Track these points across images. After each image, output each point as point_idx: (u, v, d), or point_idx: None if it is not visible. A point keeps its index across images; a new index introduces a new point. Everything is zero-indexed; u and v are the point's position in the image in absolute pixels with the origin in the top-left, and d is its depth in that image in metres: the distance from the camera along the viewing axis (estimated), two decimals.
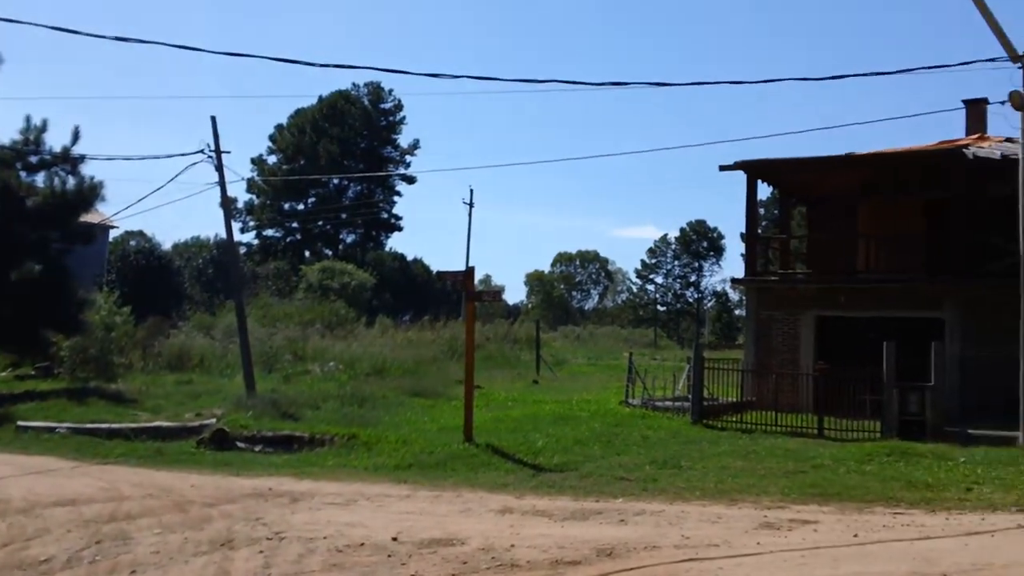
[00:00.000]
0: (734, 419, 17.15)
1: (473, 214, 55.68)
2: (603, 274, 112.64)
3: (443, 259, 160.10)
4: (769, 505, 9.79)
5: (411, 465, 12.84)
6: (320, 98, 70.14)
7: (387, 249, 73.00)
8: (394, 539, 7.92)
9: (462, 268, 16.99)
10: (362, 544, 7.76)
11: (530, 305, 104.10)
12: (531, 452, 13.49)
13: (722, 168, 21.37)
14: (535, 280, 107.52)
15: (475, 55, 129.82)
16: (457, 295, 42.78)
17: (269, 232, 71.50)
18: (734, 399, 19.02)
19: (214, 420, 16.46)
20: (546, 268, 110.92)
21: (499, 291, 17.71)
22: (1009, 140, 21.22)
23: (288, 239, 71.21)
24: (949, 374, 18.06)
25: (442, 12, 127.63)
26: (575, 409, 18.79)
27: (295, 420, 17.05)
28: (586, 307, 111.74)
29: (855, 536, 8.02)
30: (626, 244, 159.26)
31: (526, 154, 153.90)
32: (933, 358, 15.74)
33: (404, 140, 73.95)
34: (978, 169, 20.19)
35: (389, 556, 7.37)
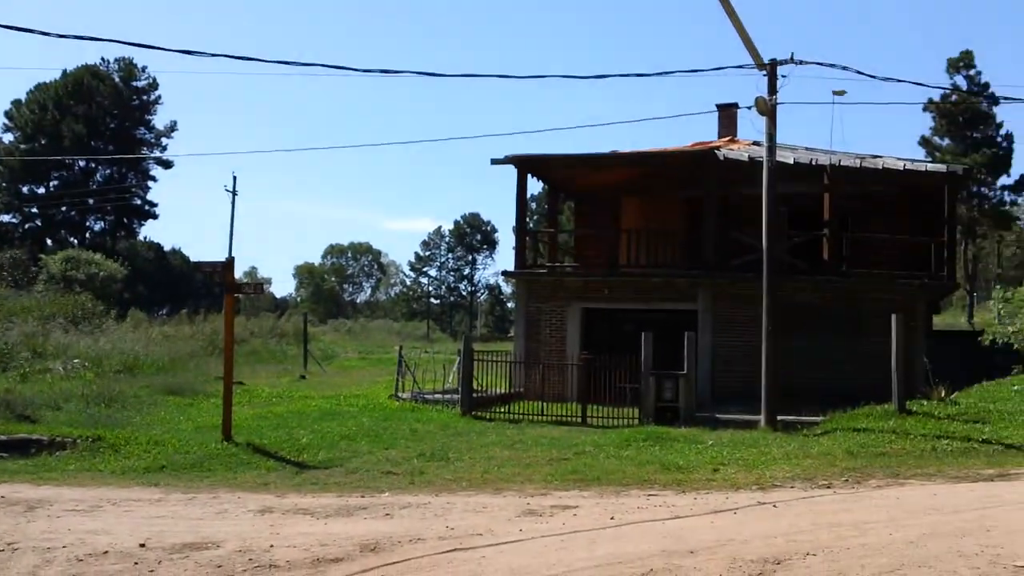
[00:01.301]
0: (503, 410, 17.38)
1: (238, 203, 53.33)
2: (376, 266, 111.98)
3: (206, 250, 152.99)
4: (533, 492, 9.92)
5: (163, 467, 11.99)
6: (64, 73, 64.39)
7: (141, 238, 68.70)
8: (142, 545, 7.37)
9: (224, 259, 16.04)
10: (106, 552, 7.16)
11: (299, 298, 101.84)
12: (295, 449, 12.99)
13: (494, 162, 21.65)
14: (304, 272, 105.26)
15: (240, 36, 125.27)
16: (218, 288, 40.83)
17: (4, 218, 64.82)
18: (504, 390, 19.29)
19: None
20: (317, 260, 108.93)
21: (262, 283, 16.96)
22: (756, 143, 22.90)
23: (27, 226, 64.92)
24: (701, 362, 19.21)
25: None
26: (343, 404, 18.40)
27: (32, 422, 15.47)
28: (358, 300, 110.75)
29: (612, 518, 8.24)
30: (400, 236, 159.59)
31: (294, 141, 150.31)
32: (686, 347, 16.64)
33: (160, 121, 69.60)
34: (728, 170, 21.61)
35: (136, 564, 6.86)
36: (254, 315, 51.11)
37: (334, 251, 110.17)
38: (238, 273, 15.07)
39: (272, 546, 7.37)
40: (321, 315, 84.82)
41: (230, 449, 12.99)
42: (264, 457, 12.53)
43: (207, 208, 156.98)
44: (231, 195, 52.49)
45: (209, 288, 53.47)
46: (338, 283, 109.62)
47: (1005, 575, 5.55)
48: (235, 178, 53.43)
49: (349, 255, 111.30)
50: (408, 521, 8.38)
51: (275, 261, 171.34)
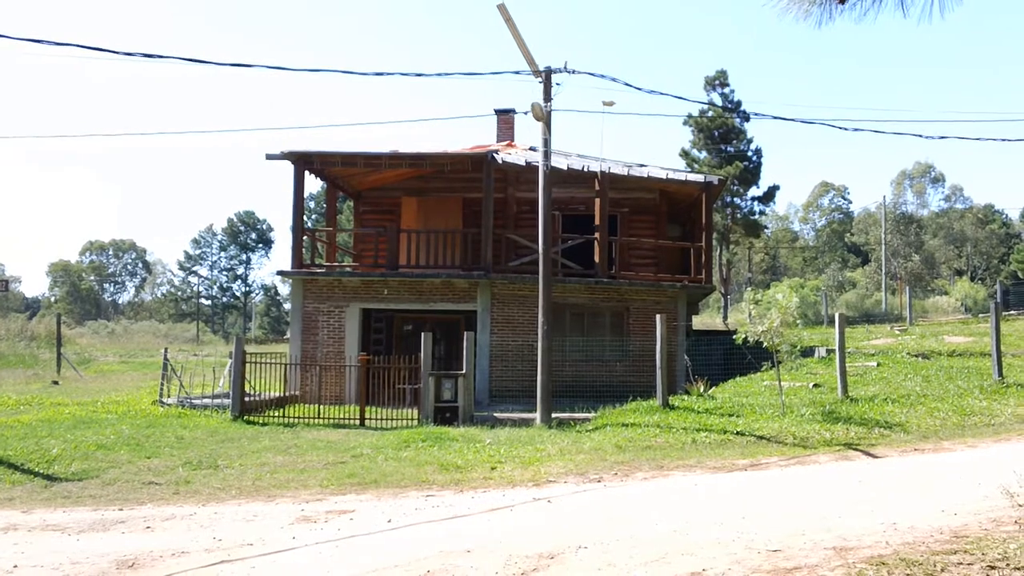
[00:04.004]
0: (277, 414, 16.82)
1: None
2: (140, 264, 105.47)
3: None
4: (308, 498, 9.61)
5: None
6: None
7: None
8: None
9: None
10: None
11: (53, 298, 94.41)
12: (44, 461, 11.90)
13: (269, 157, 20.96)
14: (60, 270, 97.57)
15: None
16: None
17: None
18: (279, 393, 18.70)
19: None
20: (74, 258, 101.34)
21: (6, 281, 15.36)
22: (532, 149, 23.53)
23: None
24: (480, 361, 19.50)
25: None
26: (100, 411, 17.10)
27: None
28: (120, 301, 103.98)
29: (389, 521, 8.12)
30: (167, 233, 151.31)
31: (53, 128, 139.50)
32: (465, 347, 16.79)
33: None
34: (506, 173, 22.07)
35: None
36: (1, 316, 46.92)
37: (94, 248, 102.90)
38: None
39: (16, 566, 6.76)
40: (78, 316, 79.14)
41: None
42: (9, 470, 11.40)
43: None
44: None
45: None
46: (98, 282, 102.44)
47: (759, 559, 5.92)
48: None
49: (110, 252, 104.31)
50: (171, 534, 7.87)
51: (27, 258, 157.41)
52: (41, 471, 11.37)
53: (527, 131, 24.49)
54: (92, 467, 11.59)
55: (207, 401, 18.11)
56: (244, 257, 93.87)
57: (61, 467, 11.61)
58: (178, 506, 9.33)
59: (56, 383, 25.98)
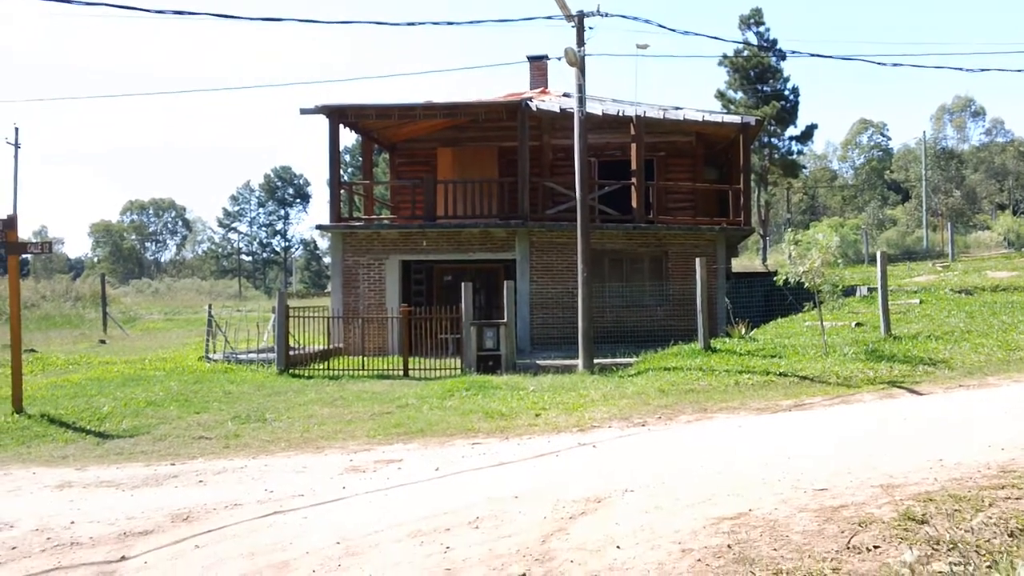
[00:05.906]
0: (322, 367, 17.01)
1: (23, 156, 49.31)
2: (181, 223, 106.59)
3: None
4: (355, 449, 9.74)
5: None
6: None
7: None
8: None
9: (5, 216, 14.64)
10: None
11: (96, 258, 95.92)
12: (96, 419, 12.18)
13: (303, 111, 20.92)
14: (101, 230, 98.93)
15: None
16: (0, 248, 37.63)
17: None
18: (323, 347, 18.90)
19: None
20: (115, 217, 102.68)
21: (50, 242, 15.63)
22: (566, 95, 23.25)
23: None
24: (520, 310, 19.54)
25: None
26: (148, 368, 17.42)
27: None
28: (163, 259, 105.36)
29: (436, 469, 8.20)
30: (206, 191, 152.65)
31: (85, 90, 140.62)
32: (505, 296, 16.80)
33: None
34: (541, 120, 21.85)
35: None
36: (46, 277, 47.86)
37: (134, 207, 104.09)
38: (25, 232, 13.80)
39: (73, 522, 6.89)
40: (121, 275, 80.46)
41: (22, 422, 12.05)
42: (61, 428, 11.69)
43: None
44: (14, 148, 48.54)
45: None
46: (139, 241, 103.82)
47: (806, 498, 5.90)
48: (17, 130, 49.33)
49: (151, 211, 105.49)
50: (223, 487, 8.01)
51: (69, 219, 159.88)
52: (93, 429, 11.63)
53: (560, 78, 24.14)
54: (143, 424, 11.84)
55: (252, 356, 18.37)
56: (282, 212, 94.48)
57: (112, 424, 11.87)
58: (229, 459, 9.50)
59: (103, 342, 26.51)
